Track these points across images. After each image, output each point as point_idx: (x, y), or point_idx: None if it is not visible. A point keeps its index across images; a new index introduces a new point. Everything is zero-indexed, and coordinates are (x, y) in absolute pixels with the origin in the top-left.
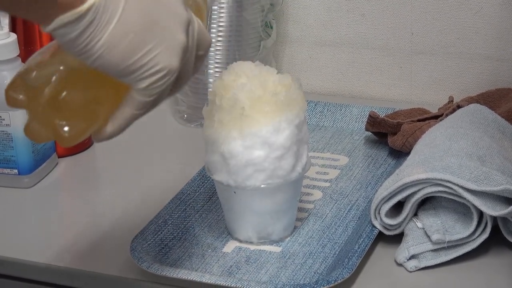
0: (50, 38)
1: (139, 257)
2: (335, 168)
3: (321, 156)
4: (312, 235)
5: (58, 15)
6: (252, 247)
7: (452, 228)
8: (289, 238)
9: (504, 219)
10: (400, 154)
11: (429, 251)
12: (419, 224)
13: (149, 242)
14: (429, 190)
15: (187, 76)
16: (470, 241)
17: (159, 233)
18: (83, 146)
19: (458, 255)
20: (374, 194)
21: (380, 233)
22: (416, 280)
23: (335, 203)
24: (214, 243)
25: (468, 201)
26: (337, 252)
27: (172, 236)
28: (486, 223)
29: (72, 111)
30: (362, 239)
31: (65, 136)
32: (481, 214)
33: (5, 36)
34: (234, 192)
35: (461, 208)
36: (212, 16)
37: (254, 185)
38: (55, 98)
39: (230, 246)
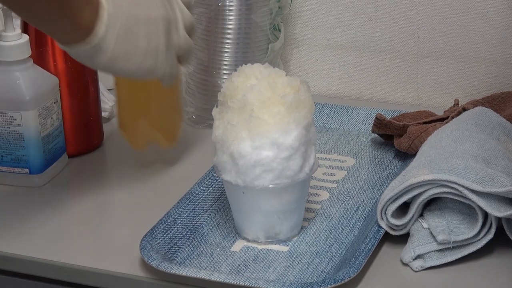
0: None
1: (148, 256)
2: (342, 169)
3: (328, 157)
4: (319, 235)
5: (73, 34)
6: (260, 246)
7: (457, 229)
8: (296, 237)
9: (508, 220)
10: (406, 156)
11: (434, 251)
12: (425, 225)
13: (158, 241)
14: (434, 191)
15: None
16: (475, 241)
17: (169, 232)
18: (93, 146)
19: (463, 255)
20: (380, 195)
21: (386, 233)
22: (422, 279)
23: (342, 203)
24: (222, 242)
25: (473, 202)
26: (343, 252)
27: (181, 235)
28: (491, 224)
29: None
30: (368, 239)
31: None
32: (486, 215)
33: (18, 37)
34: (243, 192)
35: (466, 209)
36: (221, 19)
37: (262, 185)
38: None
39: (238, 245)
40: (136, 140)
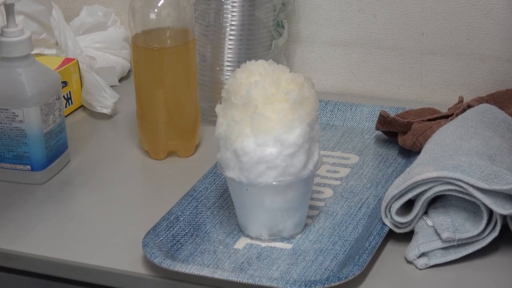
0: None
1: (151, 253)
2: (346, 167)
3: (332, 154)
4: (323, 232)
5: None
6: (263, 244)
7: (462, 227)
8: (300, 235)
9: None
10: (410, 153)
11: (439, 249)
12: (429, 222)
13: (161, 238)
14: (439, 188)
15: None
16: (480, 239)
17: (171, 229)
18: None
19: (467, 253)
20: (384, 192)
21: (390, 231)
22: (426, 277)
23: (346, 201)
24: (225, 240)
25: (478, 199)
26: (347, 250)
27: (184, 233)
28: (496, 222)
29: None
30: (372, 237)
31: None
32: (491, 212)
33: (20, 33)
34: (246, 189)
35: (471, 207)
36: (224, 15)
37: (266, 182)
38: None
39: (242, 243)
40: (156, 151)
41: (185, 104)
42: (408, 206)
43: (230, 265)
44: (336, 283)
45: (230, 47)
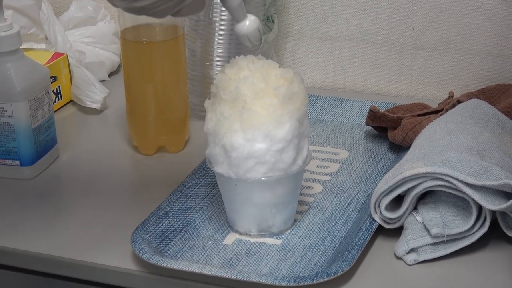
0: None
1: (140, 249)
2: (336, 162)
3: (322, 150)
4: (312, 228)
5: None
6: (252, 240)
7: (451, 222)
8: (289, 230)
9: (503, 213)
10: (400, 148)
11: (428, 244)
12: (419, 218)
13: (150, 234)
14: (428, 184)
15: None
16: (469, 235)
17: (160, 225)
18: None
19: (457, 249)
20: (374, 188)
21: (380, 226)
22: (415, 273)
23: (335, 196)
24: (214, 235)
25: (467, 195)
26: (336, 245)
27: (173, 228)
28: (485, 217)
29: None
30: (362, 233)
31: None
32: (480, 208)
33: (8, 28)
34: (235, 185)
35: (460, 202)
36: (214, 10)
37: (255, 178)
38: None
39: (231, 239)
40: (146, 146)
41: (175, 99)
42: (397, 201)
43: (219, 261)
44: (325, 279)
45: (220, 42)
